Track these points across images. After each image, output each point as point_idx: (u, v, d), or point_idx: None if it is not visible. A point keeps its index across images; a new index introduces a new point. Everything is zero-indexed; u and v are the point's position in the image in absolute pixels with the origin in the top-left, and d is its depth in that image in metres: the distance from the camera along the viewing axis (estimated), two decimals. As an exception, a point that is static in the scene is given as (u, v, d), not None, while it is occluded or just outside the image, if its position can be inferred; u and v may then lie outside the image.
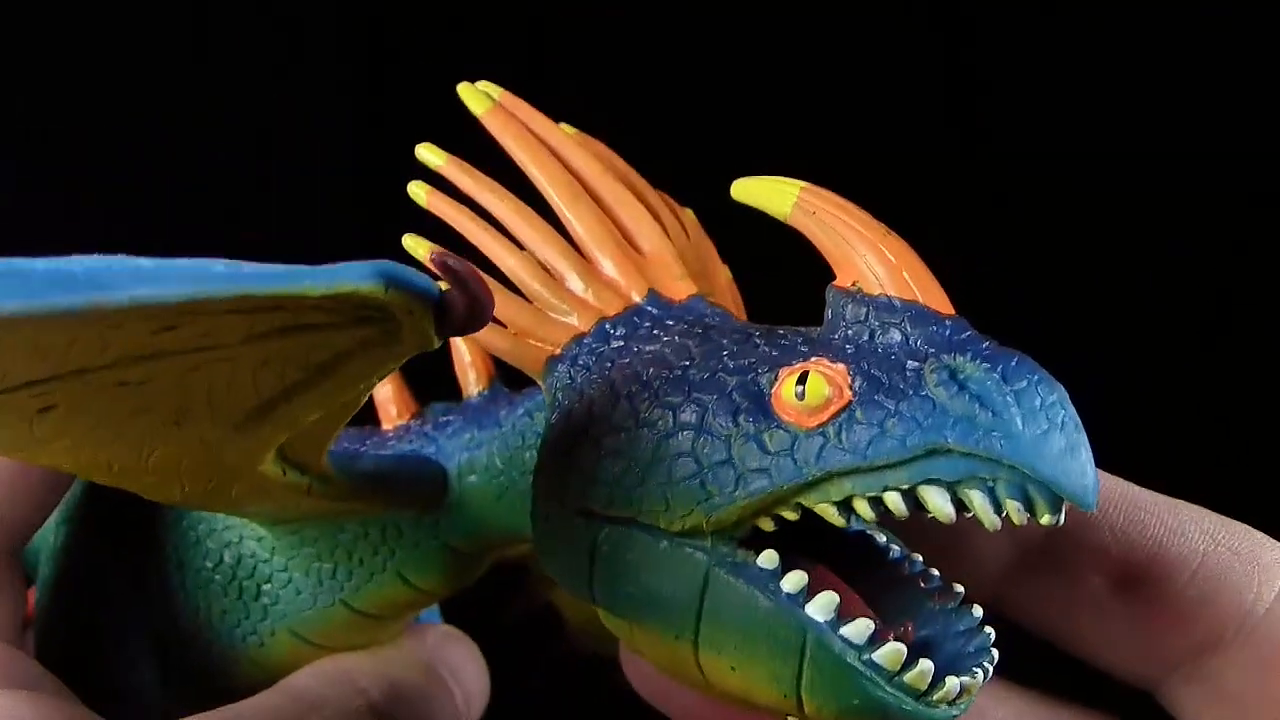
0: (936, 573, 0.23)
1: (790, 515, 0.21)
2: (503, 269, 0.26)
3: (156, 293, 0.17)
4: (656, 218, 0.26)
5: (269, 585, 0.28)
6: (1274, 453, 0.47)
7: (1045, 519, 0.20)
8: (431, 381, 0.28)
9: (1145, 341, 0.47)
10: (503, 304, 0.24)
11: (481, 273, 0.20)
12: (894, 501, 0.20)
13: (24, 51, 0.47)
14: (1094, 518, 0.24)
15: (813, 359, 0.22)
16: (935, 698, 0.20)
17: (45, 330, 0.17)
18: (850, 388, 0.21)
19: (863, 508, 0.21)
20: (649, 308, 0.25)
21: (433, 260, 0.19)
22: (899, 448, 0.20)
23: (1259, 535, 0.24)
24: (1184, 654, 0.24)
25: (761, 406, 0.21)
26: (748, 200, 0.24)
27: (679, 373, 0.22)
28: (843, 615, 0.21)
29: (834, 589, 0.21)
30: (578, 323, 0.25)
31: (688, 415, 0.22)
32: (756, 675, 0.21)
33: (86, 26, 0.47)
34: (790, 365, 0.22)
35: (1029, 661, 0.25)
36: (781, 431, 0.21)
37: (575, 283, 0.25)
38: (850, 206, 0.23)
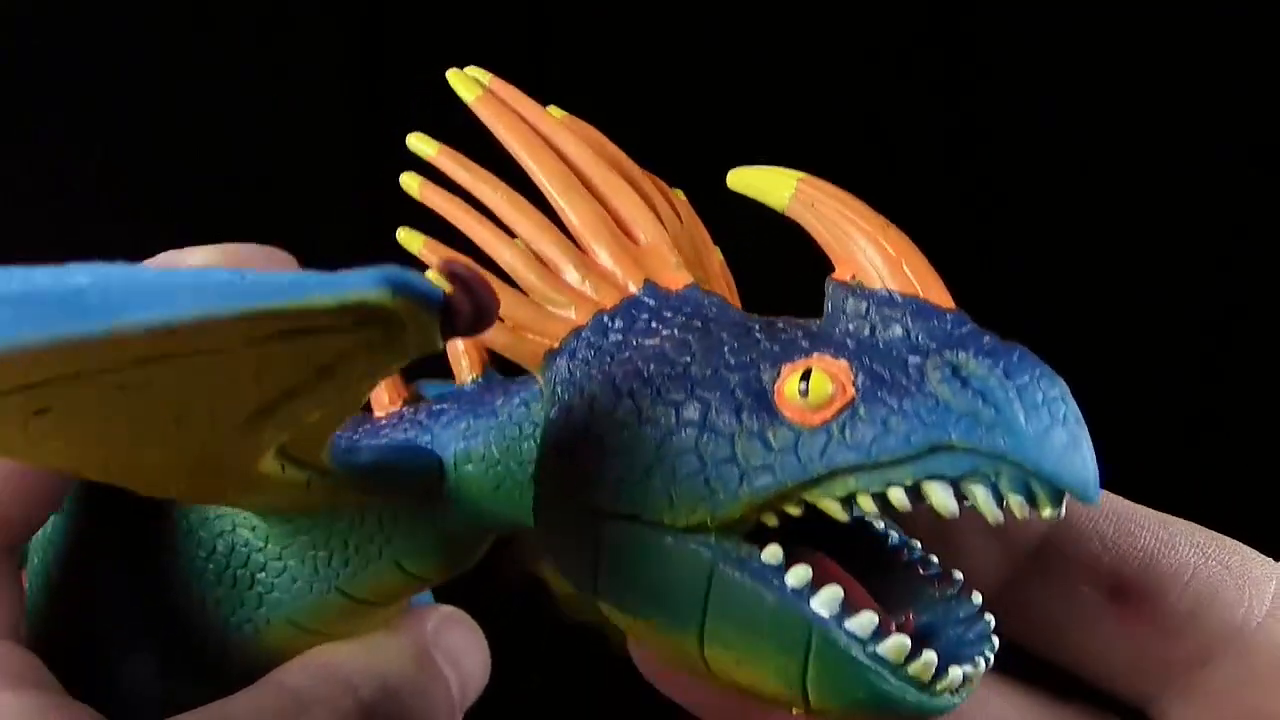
0: (935, 559, 0.23)
1: (794, 511, 0.21)
2: (498, 261, 0.26)
3: (169, 316, 0.16)
4: (649, 204, 0.26)
5: (263, 574, 0.28)
6: (1273, 457, 0.47)
7: (1047, 512, 0.20)
8: (423, 365, 0.28)
9: (1146, 341, 0.47)
10: (499, 298, 0.24)
11: (488, 276, 0.20)
12: (897, 497, 0.21)
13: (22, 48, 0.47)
14: (1085, 529, 0.24)
15: (815, 355, 0.22)
16: (939, 687, 0.21)
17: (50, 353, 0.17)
18: (853, 384, 0.21)
19: (866, 503, 0.21)
20: (646, 299, 0.25)
21: (441, 269, 0.19)
22: (903, 445, 0.20)
23: (1249, 551, 0.25)
24: (1175, 668, 0.24)
25: (764, 403, 0.22)
26: (744, 190, 0.24)
27: (680, 369, 0.22)
28: (847, 608, 0.21)
29: (838, 580, 0.21)
30: (575, 316, 0.25)
31: (691, 413, 0.22)
32: (762, 670, 0.21)
33: (85, 21, 0.47)
34: (792, 361, 0.22)
35: (1029, 661, 0.25)
36: (785, 429, 0.21)
37: (571, 274, 0.25)
38: (849, 198, 0.23)
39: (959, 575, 0.23)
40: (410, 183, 0.27)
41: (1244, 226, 0.47)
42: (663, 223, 0.26)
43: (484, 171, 0.27)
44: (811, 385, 0.21)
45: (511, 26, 0.47)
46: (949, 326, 0.22)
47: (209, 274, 0.17)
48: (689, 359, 0.23)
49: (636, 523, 0.22)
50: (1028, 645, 0.25)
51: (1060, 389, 0.21)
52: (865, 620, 0.21)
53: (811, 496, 0.21)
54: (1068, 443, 0.20)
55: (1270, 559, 0.25)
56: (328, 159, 0.47)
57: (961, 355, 0.21)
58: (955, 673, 0.21)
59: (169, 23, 0.48)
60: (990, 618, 0.22)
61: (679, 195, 0.28)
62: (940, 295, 0.22)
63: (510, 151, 0.27)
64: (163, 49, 0.48)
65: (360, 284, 0.18)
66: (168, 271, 0.17)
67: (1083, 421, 0.20)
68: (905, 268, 0.22)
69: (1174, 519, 0.25)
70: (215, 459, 0.22)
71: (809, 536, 0.22)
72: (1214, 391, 0.48)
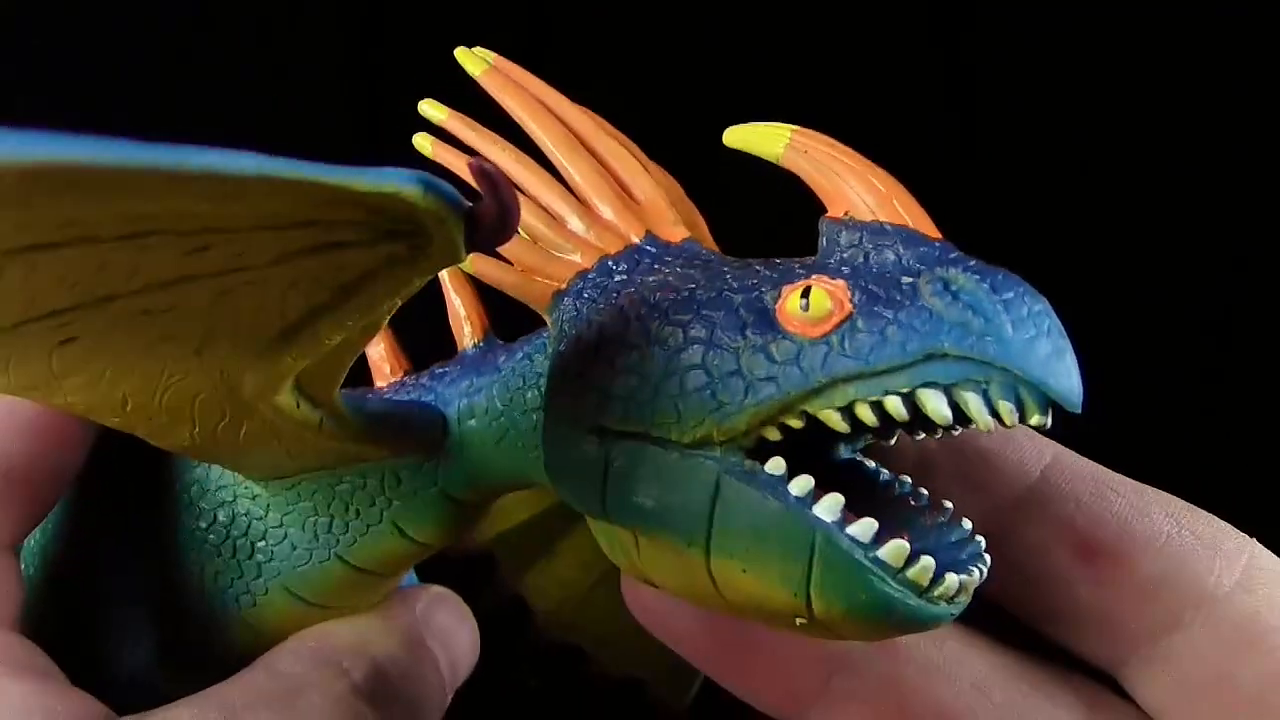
0: (925, 492, 0.24)
1: (795, 423, 0.22)
2: None
3: (232, 166, 0.17)
4: (646, 169, 0.28)
5: (263, 543, 0.28)
6: (1273, 454, 0.47)
7: (1035, 419, 0.21)
8: (425, 349, 0.29)
9: (1147, 342, 0.47)
10: (509, 243, 0.25)
11: (511, 180, 0.21)
12: (894, 405, 0.21)
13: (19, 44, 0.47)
14: (1062, 490, 0.25)
15: (813, 276, 0.23)
16: (936, 594, 0.21)
17: (105, 204, 0.17)
18: (850, 301, 0.22)
19: (864, 412, 0.22)
20: (648, 247, 0.26)
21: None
22: (899, 352, 0.21)
23: (1223, 524, 0.25)
24: (1143, 633, 0.25)
25: (767, 320, 0.23)
26: (741, 146, 0.25)
27: (686, 294, 0.23)
28: (847, 516, 0.22)
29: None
30: (581, 260, 0.26)
31: (697, 331, 0.23)
32: (767, 576, 0.22)
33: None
34: (793, 283, 0.23)
35: (1005, 622, 0.26)
36: (787, 342, 0.22)
37: (576, 224, 0.27)
38: (839, 145, 0.25)
39: (949, 504, 0.23)
40: (424, 143, 0.28)
41: (1244, 227, 0.47)
42: (661, 187, 0.27)
43: (492, 133, 0.28)
44: (812, 300, 0.22)
45: (512, 27, 0.47)
46: (937, 252, 0.23)
47: (247, 153, 0.18)
48: (694, 286, 0.24)
49: (644, 440, 0.23)
50: (1003, 604, 0.26)
51: (1044, 305, 0.22)
52: (865, 526, 0.21)
53: (812, 407, 0.22)
54: (1052, 352, 0.21)
55: (1244, 534, 0.25)
56: (327, 159, 0.47)
57: (952, 272, 0.22)
58: (951, 580, 0.22)
59: (169, 23, 0.48)
60: (981, 539, 0.23)
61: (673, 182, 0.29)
62: (928, 227, 0.23)
63: (515, 118, 0.28)
64: (162, 49, 0.48)
65: (396, 177, 0.18)
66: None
67: (1066, 335, 0.21)
68: (894, 202, 0.23)
69: (1151, 488, 0.25)
70: (234, 392, 0.23)
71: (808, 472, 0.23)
72: (1214, 392, 0.48)
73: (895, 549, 0.21)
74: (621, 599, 0.28)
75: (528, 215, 0.27)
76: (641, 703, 0.36)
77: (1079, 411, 0.21)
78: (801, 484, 0.22)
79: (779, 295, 0.23)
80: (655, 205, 0.27)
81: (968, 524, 0.23)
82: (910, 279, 0.22)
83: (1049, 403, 0.21)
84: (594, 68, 0.45)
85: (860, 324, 0.22)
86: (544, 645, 0.36)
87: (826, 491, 0.22)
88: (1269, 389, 0.47)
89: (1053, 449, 0.26)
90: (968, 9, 0.48)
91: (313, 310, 0.21)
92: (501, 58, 0.29)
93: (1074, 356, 0.21)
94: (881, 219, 0.23)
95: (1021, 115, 0.48)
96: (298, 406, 0.24)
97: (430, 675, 0.29)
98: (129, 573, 0.29)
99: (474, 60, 0.29)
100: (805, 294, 0.22)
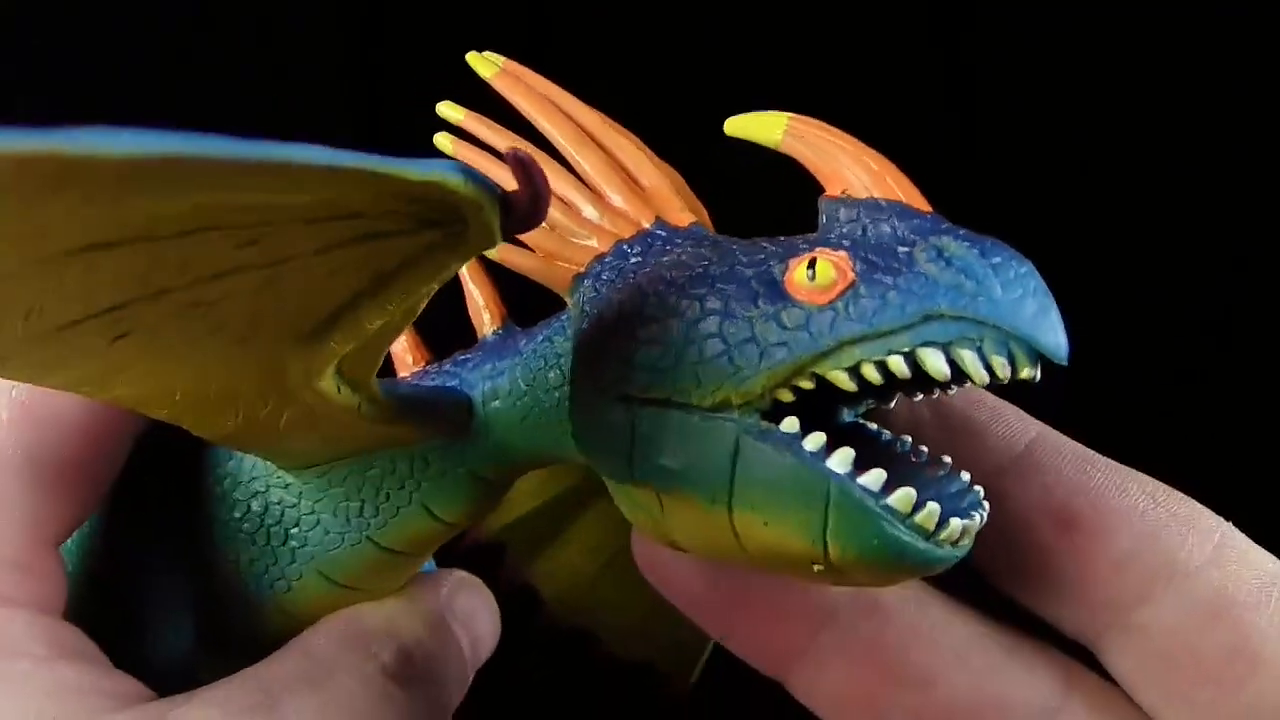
0: (925, 449, 0.25)
1: (806, 385, 0.24)
2: None
3: (306, 156, 0.18)
4: (653, 163, 0.29)
5: (296, 529, 0.29)
6: (1273, 454, 0.47)
7: (1025, 372, 0.23)
8: (445, 340, 0.30)
9: (1146, 341, 0.47)
10: (530, 231, 0.26)
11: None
12: (897, 364, 0.23)
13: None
14: (1043, 462, 0.26)
15: (817, 249, 0.24)
16: (942, 537, 0.23)
17: (177, 199, 0.18)
18: (853, 269, 0.24)
19: (870, 372, 0.23)
20: (659, 231, 0.28)
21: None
22: (899, 314, 0.23)
23: (1199, 505, 0.26)
24: (1116, 606, 0.26)
25: (777, 290, 0.24)
26: (741, 134, 0.27)
27: (700, 270, 0.25)
28: (858, 467, 0.23)
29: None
30: (597, 244, 0.28)
31: (713, 303, 0.24)
32: (787, 525, 0.23)
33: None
34: (798, 256, 0.24)
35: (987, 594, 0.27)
36: (797, 309, 0.24)
37: (590, 212, 0.28)
38: (833, 129, 0.26)
39: (948, 459, 0.25)
40: (444, 142, 0.30)
41: (1244, 227, 0.47)
42: (666, 176, 0.29)
43: (505, 130, 0.30)
44: (818, 270, 0.24)
45: (512, 27, 0.47)
46: (929, 224, 0.25)
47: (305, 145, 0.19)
48: (707, 263, 0.25)
49: (667, 406, 0.24)
50: (985, 575, 0.27)
51: (1029, 267, 0.23)
52: (875, 476, 0.23)
53: (822, 369, 0.24)
54: (1039, 309, 0.23)
55: (1220, 516, 0.26)
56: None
57: (945, 239, 0.24)
58: (955, 524, 0.23)
59: (169, 23, 0.48)
60: (980, 488, 0.24)
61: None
62: (920, 202, 0.25)
63: (527, 115, 0.30)
64: (163, 49, 0.48)
65: (441, 168, 0.20)
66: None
67: (1050, 295, 0.23)
68: (888, 179, 0.25)
69: (1131, 469, 0.26)
70: (279, 379, 0.23)
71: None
72: (1214, 392, 0.48)
73: (903, 496, 0.23)
74: (628, 581, 0.29)
75: None
76: (649, 684, 0.37)
77: (1065, 364, 0.23)
78: (815, 440, 0.23)
79: (786, 268, 0.24)
80: (662, 193, 0.28)
81: (965, 475, 0.25)
82: (906, 248, 0.24)
83: (1038, 356, 0.23)
84: (594, 67, 0.45)
85: (863, 290, 0.23)
86: (554, 630, 0.37)
87: (837, 447, 0.23)
88: (1268, 389, 0.47)
89: (1038, 427, 0.27)
90: (968, 8, 0.48)
91: (356, 296, 0.22)
92: (510, 61, 0.30)
93: (1059, 314, 0.23)
94: (876, 195, 0.25)
95: (1021, 115, 0.48)
96: (338, 391, 0.25)
97: (454, 656, 0.30)
98: (166, 564, 0.30)
99: (485, 64, 0.30)
100: (811, 265, 0.24)
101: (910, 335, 0.23)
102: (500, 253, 0.29)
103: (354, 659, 0.28)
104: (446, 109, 0.30)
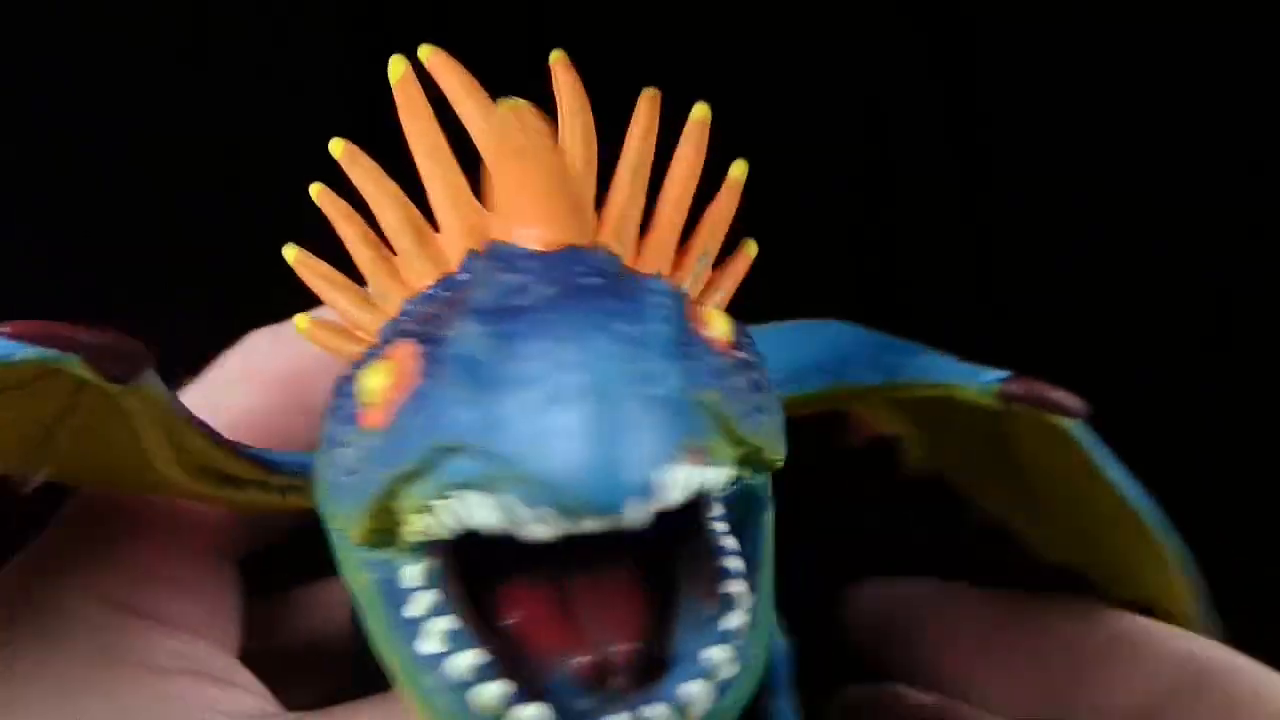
0: (735, 566, 0.18)
1: (418, 525, 0.18)
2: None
3: None
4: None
5: None
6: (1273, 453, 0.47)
7: (581, 524, 0.15)
8: None
9: (1150, 356, 0.47)
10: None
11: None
12: (449, 512, 0.17)
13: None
14: None
15: (397, 340, 0.19)
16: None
17: None
18: (421, 371, 0.17)
19: (433, 522, 0.17)
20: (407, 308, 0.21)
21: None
22: (414, 448, 0.17)
23: None
24: None
25: (355, 410, 0.19)
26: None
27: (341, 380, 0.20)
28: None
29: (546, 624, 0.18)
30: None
31: (328, 428, 0.19)
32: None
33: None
34: (378, 353, 0.19)
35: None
36: (363, 435, 0.18)
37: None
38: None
39: (731, 589, 0.18)
40: (290, 252, 0.23)
41: (1245, 224, 0.47)
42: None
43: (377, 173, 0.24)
44: (364, 383, 0.18)
45: (512, 27, 0.47)
46: (498, 287, 0.18)
47: None
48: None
49: (340, 535, 0.20)
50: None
51: (588, 352, 0.16)
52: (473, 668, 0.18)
53: (400, 513, 0.18)
54: (573, 431, 0.15)
55: None
56: (327, 158, 0.47)
57: (467, 324, 0.17)
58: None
59: (170, 23, 0.48)
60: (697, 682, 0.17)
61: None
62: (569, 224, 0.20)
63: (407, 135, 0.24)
64: (163, 49, 0.48)
65: (25, 354, 0.21)
66: None
67: (630, 394, 0.15)
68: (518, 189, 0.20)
69: None
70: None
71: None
72: (1213, 392, 0.48)
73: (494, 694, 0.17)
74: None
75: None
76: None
77: (626, 518, 0.15)
78: (422, 603, 0.18)
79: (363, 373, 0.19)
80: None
81: (734, 620, 0.17)
82: (451, 332, 0.17)
83: (580, 507, 0.15)
84: (594, 67, 0.45)
85: (410, 407, 0.17)
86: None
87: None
88: (1269, 389, 0.47)
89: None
90: (968, 30, 0.48)
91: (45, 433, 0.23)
92: (439, 51, 0.25)
93: (636, 432, 0.15)
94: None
95: (1022, 116, 0.48)
96: (220, 489, 0.25)
97: None
98: None
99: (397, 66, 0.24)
100: (366, 373, 0.18)
101: (436, 476, 0.17)
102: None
103: None
104: (337, 149, 0.24)
